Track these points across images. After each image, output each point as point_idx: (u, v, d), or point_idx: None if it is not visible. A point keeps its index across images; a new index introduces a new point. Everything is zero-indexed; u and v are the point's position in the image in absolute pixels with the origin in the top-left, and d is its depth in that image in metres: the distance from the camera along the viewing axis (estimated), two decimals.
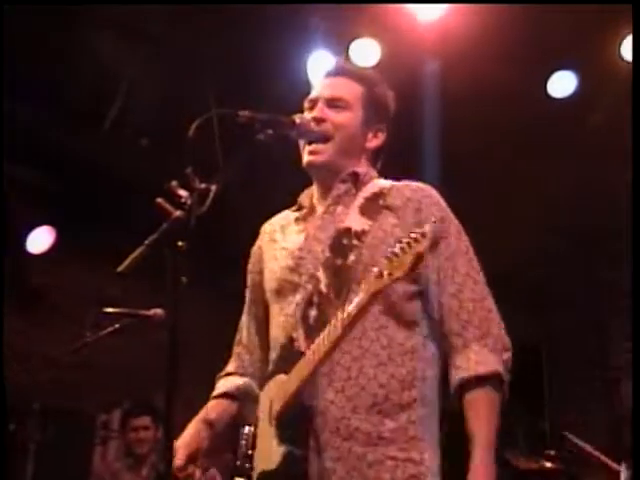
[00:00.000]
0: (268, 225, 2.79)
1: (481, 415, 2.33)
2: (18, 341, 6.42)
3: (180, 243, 2.15)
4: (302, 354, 2.34)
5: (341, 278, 2.41)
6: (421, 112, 5.90)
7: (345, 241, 2.45)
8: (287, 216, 2.75)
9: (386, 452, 2.31)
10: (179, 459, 2.49)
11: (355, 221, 2.49)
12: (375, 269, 2.16)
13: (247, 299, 2.82)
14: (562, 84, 5.82)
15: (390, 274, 2.12)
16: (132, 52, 5.89)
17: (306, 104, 2.67)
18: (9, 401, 5.44)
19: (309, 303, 2.44)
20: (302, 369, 2.31)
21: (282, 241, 2.66)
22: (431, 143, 6.05)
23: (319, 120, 2.57)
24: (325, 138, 2.57)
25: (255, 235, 2.84)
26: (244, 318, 2.82)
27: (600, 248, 7.59)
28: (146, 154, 6.40)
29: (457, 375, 2.37)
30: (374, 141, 2.67)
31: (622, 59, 5.47)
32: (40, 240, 6.68)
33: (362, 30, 5.54)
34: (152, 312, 4.14)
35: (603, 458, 5.15)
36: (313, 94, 2.67)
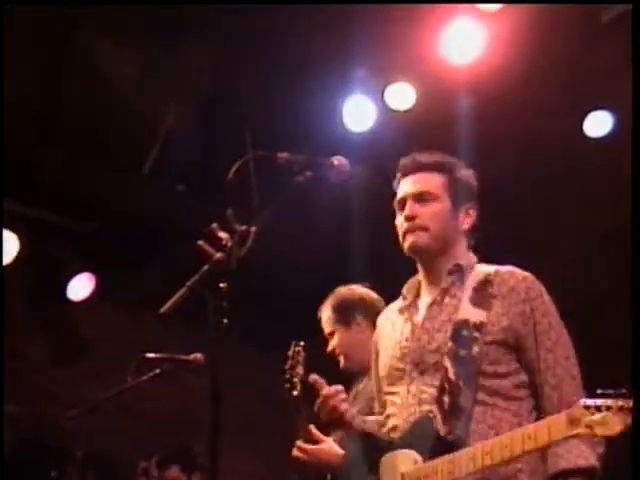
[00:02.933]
0: (382, 316, 3.01)
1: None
2: (64, 390, 6.45)
3: (221, 285, 2.17)
4: (441, 438, 2.52)
5: (468, 368, 2.61)
6: (456, 153, 5.89)
7: (465, 332, 2.64)
8: (395, 306, 2.95)
9: None
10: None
11: (469, 312, 2.67)
12: (566, 412, 2.22)
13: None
14: (598, 123, 5.79)
15: (590, 427, 2.15)
16: (168, 99, 5.97)
17: (396, 206, 2.84)
18: (54, 447, 5.44)
19: (442, 390, 2.61)
20: (459, 464, 2.41)
21: (391, 331, 2.87)
22: None
23: (411, 218, 2.76)
24: (421, 229, 2.75)
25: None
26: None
27: None
28: (183, 200, 6.46)
29: (559, 463, 2.50)
30: (467, 220, 2.84)
31: None
32: (81, 287, 6.72)
33: (397, 75, 5.58)
34: (192, 357, 4.13)
35: None
36: (400, 195, 2.85)
